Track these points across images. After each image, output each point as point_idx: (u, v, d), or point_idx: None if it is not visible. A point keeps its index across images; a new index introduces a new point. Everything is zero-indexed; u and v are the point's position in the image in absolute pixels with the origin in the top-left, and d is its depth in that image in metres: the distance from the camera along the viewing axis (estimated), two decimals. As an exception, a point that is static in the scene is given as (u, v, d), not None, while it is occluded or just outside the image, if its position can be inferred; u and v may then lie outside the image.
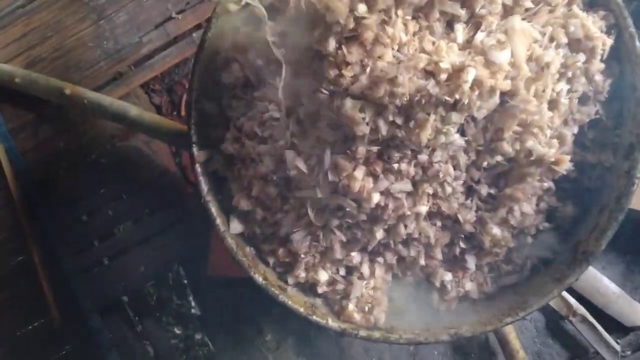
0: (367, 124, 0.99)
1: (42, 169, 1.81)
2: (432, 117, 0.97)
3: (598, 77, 1.15)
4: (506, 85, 1.00)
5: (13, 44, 1.80)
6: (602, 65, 1.14)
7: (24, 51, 1.80)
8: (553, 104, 1.10)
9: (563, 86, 1.10)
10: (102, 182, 1.81)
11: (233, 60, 1.23)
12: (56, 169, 1.81)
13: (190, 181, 1.81)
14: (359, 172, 1.03)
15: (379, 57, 0.99)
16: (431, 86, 0.95)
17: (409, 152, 1.04)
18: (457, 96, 0.95)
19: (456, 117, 0.99)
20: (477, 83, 0.96)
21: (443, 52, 0.98)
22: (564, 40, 1.10)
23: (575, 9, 1.13)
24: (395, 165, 1.04)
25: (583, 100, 1.17)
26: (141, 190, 1.81)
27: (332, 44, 0.98)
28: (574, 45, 1.12)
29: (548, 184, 1.16)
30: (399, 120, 0.99)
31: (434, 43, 1.01)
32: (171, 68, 1.83)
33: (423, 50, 1.01)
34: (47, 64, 1.81)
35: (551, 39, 1.09)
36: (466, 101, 0.96)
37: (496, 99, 1.02)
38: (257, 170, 1.15)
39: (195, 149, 1.18)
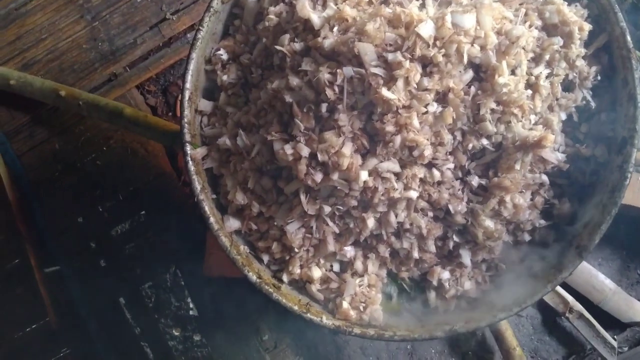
0: (338, 86, 1.03)
1: (38, 171, 1.82)
2: (403, 72, 1.00)
3: (580, 63, 1.17)
4: (474, 51, 1.03)
5: (7, 46, 1.81)
6: (582, 50, 1.16)
7: (18, 53, 1.81)
8: (534, 88, 1.13)
9: (542, 70, 1.14)
10: (98, 183, 1.81)
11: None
12: (52, 171, 1.81)
13: (185, 182, 1.81)
14: (347, 149, 1.05)
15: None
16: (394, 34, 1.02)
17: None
18: (409, 41, 0.99)
19: (428, 82, 1.02)
20: (439, 38, 1.00)
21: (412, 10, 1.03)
22: (538, 22, 1.14)
23: None
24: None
25: (569, 87, 1.20)
26: (137, 191, 1.81)
27: None
28: (551, 30, 1.16)
29: (541, 176, 1.16)
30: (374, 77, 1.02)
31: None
32: (166, 69, 1.84)
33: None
34: (42, 66, 1.81)
35: (524, 21, 1.12)
36: (431, 54, 0.99)
37: (470, 72, 1.06)
38: (253, 162, 1.17)
39: (188, 148, 1.18)
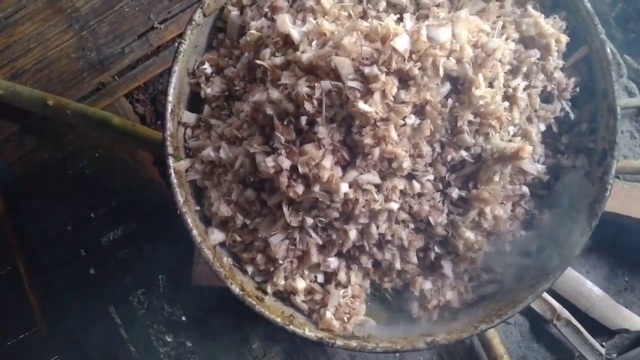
0: (317, 99, 1.04)
1: (27, 180, 1.82)
2: (379, 85, 1.00)
3: (558, 75, 1.17)
4: (450, 64, 1.04)
5: (-4, 56, 1.81)
6: (560, 62, 1.17)
7: (7, 63, 1.81)
8: (511, 100, 1.13)
9: (519, 82, 1.14)
10: (87, 192, 1.82)
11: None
12: (41, 180, 1.82)
13: (173, 190, 1.81)
14: (327, 161, 1.05)
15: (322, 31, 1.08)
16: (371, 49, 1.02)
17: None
18: (385, 55, 0.99)
19: (405, 95, 1.03)
20: (414, 52, 1.01)
21: (388, 23, 1.03)
22: (515, 35, 1.14)
23: (530, 9, 1.17)
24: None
25: (548, 98, 1.20)
26: (126, 200, 1.82)
27: None
28: (529, 42, 1.16)
29: (521, 187, 1.16)
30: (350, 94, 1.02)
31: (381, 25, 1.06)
32: (155, 78, 1.84)
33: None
34: (30, 76, 1.82)
35: (501, 33, 1.12)
36: (407, 67, 1.00)
37: (447, 84, 1.07)
38: (237, 174, 1.17)
39: (170, 160, 1.18)
